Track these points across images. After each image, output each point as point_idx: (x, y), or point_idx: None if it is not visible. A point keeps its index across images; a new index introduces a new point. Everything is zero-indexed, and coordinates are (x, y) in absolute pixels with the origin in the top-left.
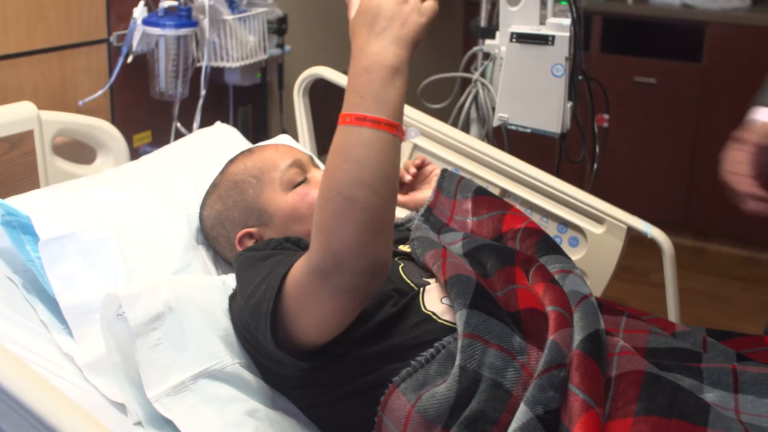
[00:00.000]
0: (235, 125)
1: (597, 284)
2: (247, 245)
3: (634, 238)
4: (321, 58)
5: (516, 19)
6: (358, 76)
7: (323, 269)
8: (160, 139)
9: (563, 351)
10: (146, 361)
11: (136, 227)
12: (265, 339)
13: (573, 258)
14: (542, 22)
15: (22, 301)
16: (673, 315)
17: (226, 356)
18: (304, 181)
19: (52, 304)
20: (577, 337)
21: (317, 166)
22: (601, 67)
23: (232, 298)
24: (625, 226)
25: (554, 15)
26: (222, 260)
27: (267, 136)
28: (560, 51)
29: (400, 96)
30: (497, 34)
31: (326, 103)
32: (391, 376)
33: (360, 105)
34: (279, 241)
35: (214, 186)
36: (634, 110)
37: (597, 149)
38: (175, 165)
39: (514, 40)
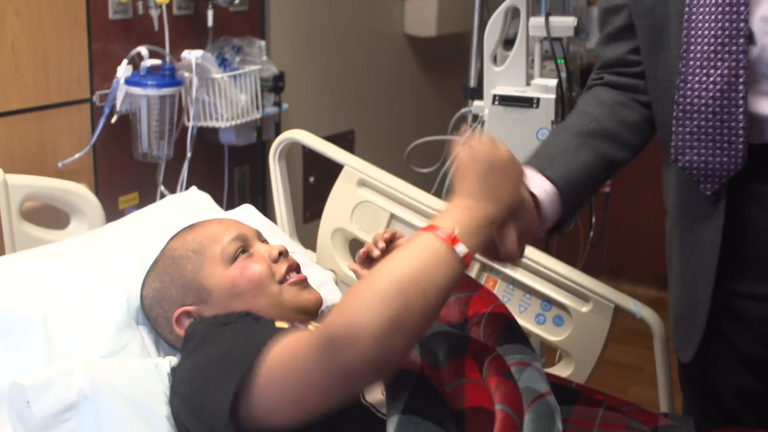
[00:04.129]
0: (230, 186)
1: (583, 367)
2: (185, 326)
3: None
4: (321, 116)
5: (501, 80)
6: (460, 209)
7: (335, 340)
8: (148, 201)
9: None
10: None
11: (69, 306)
12: (218, 407)
13: (557, 338)
14: (528, 83)
15: None
16: (664, 403)
17: None
18: (246, 254)
19: None
20: None
21: (264, 241)
22: None
23: (176, 370)
24: (612, 305)
25: (543, 75)
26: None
27: (264, 197)
28: (545, 114)
29: (484, 241)
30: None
31: (313, 166)
32: None
33: (451, 228)
34: (238, 314)
35: (154, 263)
36: (650, 163)
37: (594, 218)
38: (133, 236)
39: (496, 102)
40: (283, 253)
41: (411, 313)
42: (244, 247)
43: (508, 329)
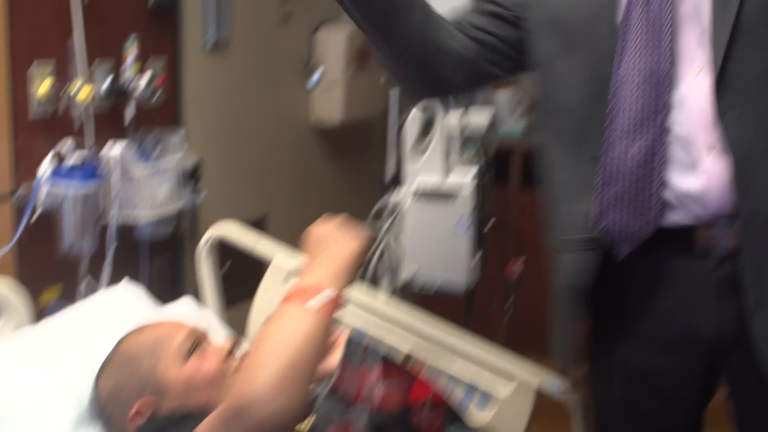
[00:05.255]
0: (151, 277)
1: None
2: (142, 419)
3: None
4: (238, 203)
5: (421, 170)
6: (316, 266)
7: (236, 407)
8: (71, 294)
9: None
10: None
11: (18, 411)
12: None
13: (483, 419)
14: (447, 174)
15: None
16: None
17: None
18: (198, 351)
19: None
20: None
21: (212, 342)
22: (523, 202)
23: None
24: (534, 386)
25: (462, 160)
26: None
27: (182, 290)
28: (462, 206)
29: (351, 277)
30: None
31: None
32: None
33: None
34: (177, 419)
35: (108, 362)
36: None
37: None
38: (72, 333)
39: (416, 196)
40: (233, 350)
41: (297, 362)
42: (197, 345)
43: (450, 413)
